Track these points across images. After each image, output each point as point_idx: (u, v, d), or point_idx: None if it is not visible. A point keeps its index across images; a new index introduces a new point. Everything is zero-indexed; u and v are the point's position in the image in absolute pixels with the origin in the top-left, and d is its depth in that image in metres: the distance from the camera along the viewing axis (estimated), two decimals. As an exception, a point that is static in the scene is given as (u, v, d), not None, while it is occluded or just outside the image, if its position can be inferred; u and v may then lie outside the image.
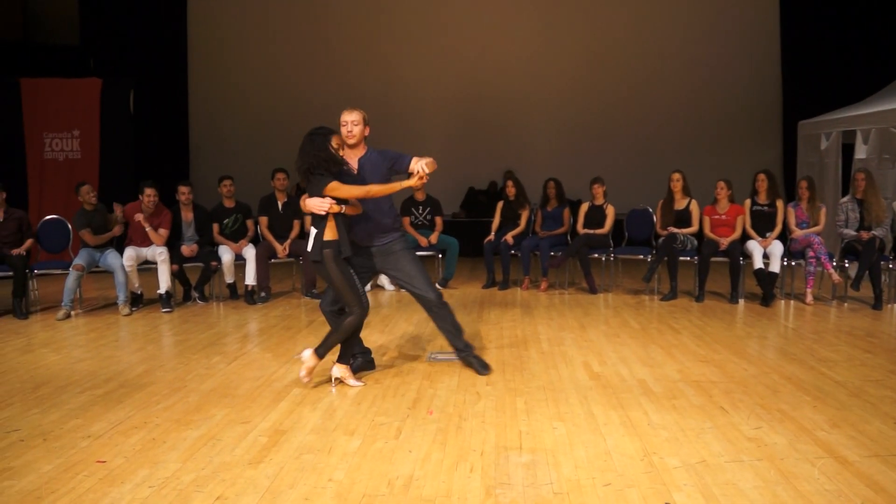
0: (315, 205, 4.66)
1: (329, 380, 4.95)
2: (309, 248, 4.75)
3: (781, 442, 3.80)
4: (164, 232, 7.89)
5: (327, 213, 4.66)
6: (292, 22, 14.29)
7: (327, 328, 6.69)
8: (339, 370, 4.91)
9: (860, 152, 9.63)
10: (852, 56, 13.06)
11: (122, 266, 7.64)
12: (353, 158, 5.00)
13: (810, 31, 13.37)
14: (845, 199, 8.28)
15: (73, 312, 7.57)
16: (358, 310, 4.76)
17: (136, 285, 7.89)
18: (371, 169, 5.00)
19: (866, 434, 3.91)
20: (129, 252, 7.75)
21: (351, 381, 4.93)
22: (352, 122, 4.98)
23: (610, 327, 6.83)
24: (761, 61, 13.80)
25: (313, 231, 4.74)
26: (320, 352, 4.86)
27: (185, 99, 14.28)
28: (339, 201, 4.68)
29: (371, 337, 6.27)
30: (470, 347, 5.30)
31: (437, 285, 9.08)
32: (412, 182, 4.84)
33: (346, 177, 4.80)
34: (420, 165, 4.79)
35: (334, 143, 4.72)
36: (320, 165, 4.65)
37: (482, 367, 5.19)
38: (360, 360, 5.20)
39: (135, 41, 13.70)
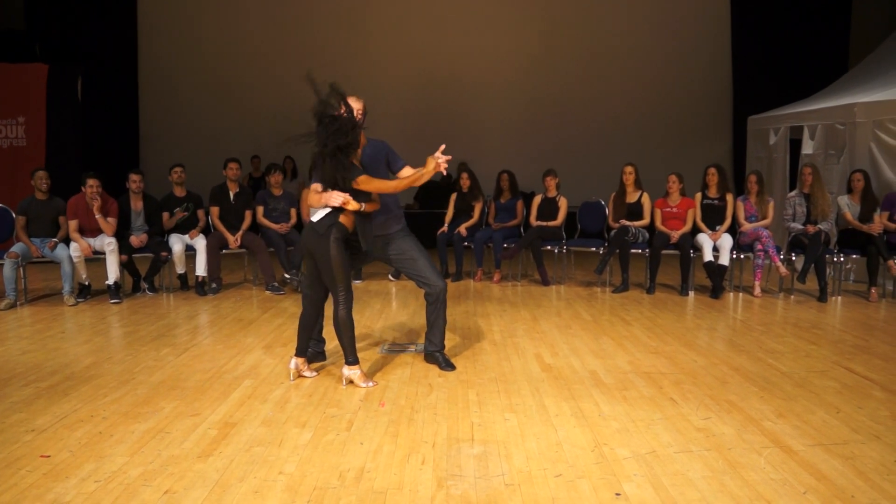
0: (331, 199, 4.50)
1: (288, 373, 4.91)
2: (315, 219, 4.57)
3: (729, 432, 3.86)
4: (112, 221, 7.74)
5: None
6: (245, 9, 14.12)
7: (279, 320, 6.67)
8: (297, 362, 4.86)
9: (807, 147, 9.82)
10: (801, 53, 13.35)
11: (70, 256, 7.48)
12: None
13: (760, 29, 13.64)
14: (792, 193, 8.44)
15: (17, 302, 7.41)
16: (345, 295, 4.62)
17: (84, 276, 7.73)
18: (371, 161, 4.89)
19: (810, 424, 3.99)
20: (76, 242, 7.59)
21: (306, 372, 4.89)
22: (357, 111, 4.86)
23: (562, 319, 6.88)
24: (712, 57, 14.01)
25: (325, 209, 4.57)
26: (350, 359, 4.71)
27: (135, 86, 14.04)
28: (359, 198, 4.55)
29: (323, 329, 6.23)
30: (443, 346, 5.24)
31: (391, 276, 9.11)
32: (431, 168, 4.63)
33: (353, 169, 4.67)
34: (439, 156, 4.65)
35: (355, 110, 4.54)
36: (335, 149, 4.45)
37: (447, 366, 5.12)
38: (311, 350, 5.15)
39: (83, 26, 13.45)
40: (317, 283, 4.80)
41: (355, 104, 4.87)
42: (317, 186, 4.70)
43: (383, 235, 5.04)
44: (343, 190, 4.54)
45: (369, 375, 4.86)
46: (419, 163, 4.82)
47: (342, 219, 4.56)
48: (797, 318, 6.97)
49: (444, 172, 4.71)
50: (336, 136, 4.45)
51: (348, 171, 4.52)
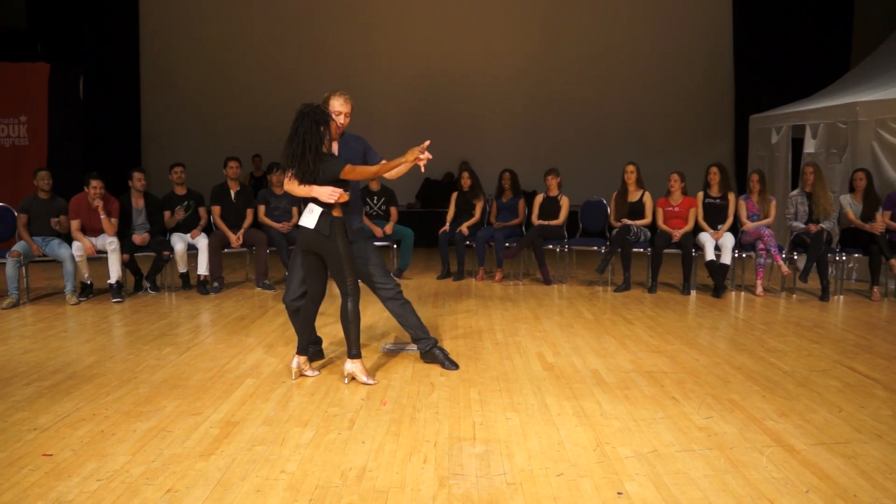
0: (326, 194, 4.55)
1: (290, 372, 4.91)
2: (312, 225, 4.61)
3: (731, 431, 3.86)
4: (114, 221, 7.75)
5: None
6: (247, 8, 14.11)
7: (281, 319, 6.67)
8: (298, 361, 4.86)
9: (809, 146, 9.81)
10: (802, 52, 13.34)
11: (72, 256, 7.49)
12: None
13: (762, 27, 13.62)
14: (794, 192, 8.43)
15: (20, 301, 7.42)
16: (353, 287, 4.70)
17: (86, 275, 7.73)
18: (349, 154, 4.94)
19: (812, 423, 3.99)
20: (79, 242, 7.59)
21: (308, 371, 4.89)
22: (345, 115, 4.90)
23: (564, 318, 6.87)
24: (714, 56, 13.99)
25: (317, 209, 4.61)
26: (354, 352, 4.74)
27: (137, 85, 14.03)
28: (344, 187, 4.64)
29: (325, 328, 6.23)
30: (435, 339, 5.23)
31: (392, 276, 9.11)
32: (411, 159, 4.69)
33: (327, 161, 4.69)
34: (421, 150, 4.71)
35: (330, 131, 4.65)
36: (301, 153, 4.54)
37: (451, 364, 5.09)
38: (310, 350, 5.14)
39: (84, 25, 13.43)
40: (315, 280, 4.83)
41: (343, 107, 4.90)
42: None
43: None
44: (317, 182, 4.59)
45: (371, 373, 4.85)
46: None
47: (336, 213, 4.63)
48: (799, 317, 6.96)
49: (423, 169, 4.80)
50: (308, 130, 4.54)
51: (322, 161, 4.58)
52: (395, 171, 4.82)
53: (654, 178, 9.37)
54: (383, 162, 4.96)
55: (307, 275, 4.86)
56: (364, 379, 4.71)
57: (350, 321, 4.71)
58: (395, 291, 5.11)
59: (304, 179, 4.58)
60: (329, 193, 4.56)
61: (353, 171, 4.63)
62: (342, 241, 4.63)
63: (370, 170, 4.78)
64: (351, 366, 4.73)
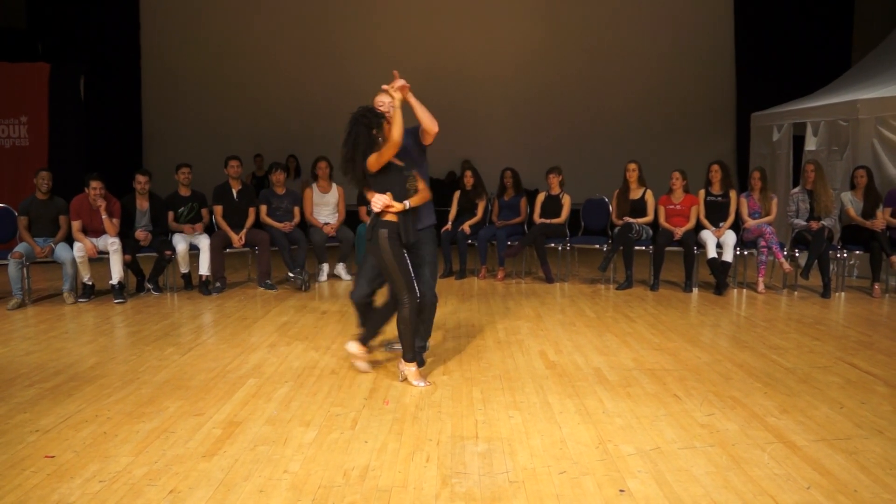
0: (379, 204, 4.52)
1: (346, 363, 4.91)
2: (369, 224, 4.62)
3: (733, 428, 3.86)
4: (116, 221, 7.75)
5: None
6: (248, 7, 14.12)
7: (283, 318, 6.67)
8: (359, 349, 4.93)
9: (810, 144, 9.81)
10: (804, 50, 13.34)
11: (74, 259, 7.50)
12: None
13: (763, 25, 13.62)
14: (796, 189, 8.43)
15: (25, 301, 7.44)
16: (407, 296, 4.61)
17: (87, 276, 7.73)
18: (409, 147, 4.92)
19: (814, 419, 3.99)
20: (81, 243, 7.60)
21: (360, 363, 4.94)
22: (388, 104, 4.87)
23: (566, 316, 6.87)
24: (715, 54, 14.00)
25: (374, 214, 4.61)
26: (408, 356, 4.73)
27: (138, 85, 14.05)
28: (401, 195, 4.56)
29: (327, 328, 6.25)
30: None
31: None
32: (393, 101, 4.71)
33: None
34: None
35: (384, 133, 4.61)
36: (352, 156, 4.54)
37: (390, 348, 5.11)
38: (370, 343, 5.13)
39: (85, 25, 13.43)
40: (367, 281, 4.92)
41: (382, 97, 4.88)
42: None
43: (423, 230, 4.97)
44: (368, 184, 4.58)
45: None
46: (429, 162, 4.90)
47: (388, 217, 4.57)
48: (800, 314, 6.96)
49: (402, 96, 4.76)
50: (360, 133, 4.54)
51: (359, 164, 4.56)
52: (397, 127, 4.62)
53: (655, 176, 9.36)
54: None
55: (363, 276, 4.98)
56: (415, 382, 4.69)
57: (402, 327, 4.68)
58: (430, 302, 5.00)
59: (359, 183, 4.58)
60: (376, 202, 4.53)
61: (377, 161, 4.55)
62: (388, 244, 4.53)
63: (383, 152, 4.57)
64: (404, 367, 4.74)
